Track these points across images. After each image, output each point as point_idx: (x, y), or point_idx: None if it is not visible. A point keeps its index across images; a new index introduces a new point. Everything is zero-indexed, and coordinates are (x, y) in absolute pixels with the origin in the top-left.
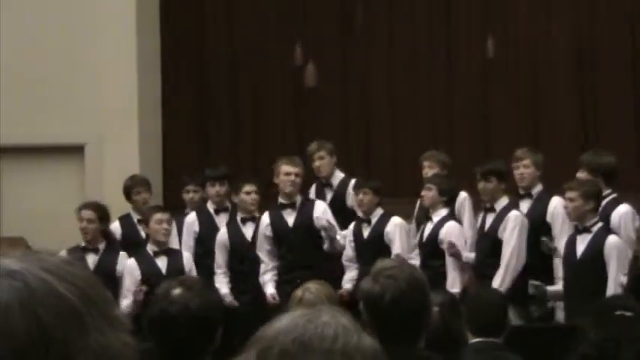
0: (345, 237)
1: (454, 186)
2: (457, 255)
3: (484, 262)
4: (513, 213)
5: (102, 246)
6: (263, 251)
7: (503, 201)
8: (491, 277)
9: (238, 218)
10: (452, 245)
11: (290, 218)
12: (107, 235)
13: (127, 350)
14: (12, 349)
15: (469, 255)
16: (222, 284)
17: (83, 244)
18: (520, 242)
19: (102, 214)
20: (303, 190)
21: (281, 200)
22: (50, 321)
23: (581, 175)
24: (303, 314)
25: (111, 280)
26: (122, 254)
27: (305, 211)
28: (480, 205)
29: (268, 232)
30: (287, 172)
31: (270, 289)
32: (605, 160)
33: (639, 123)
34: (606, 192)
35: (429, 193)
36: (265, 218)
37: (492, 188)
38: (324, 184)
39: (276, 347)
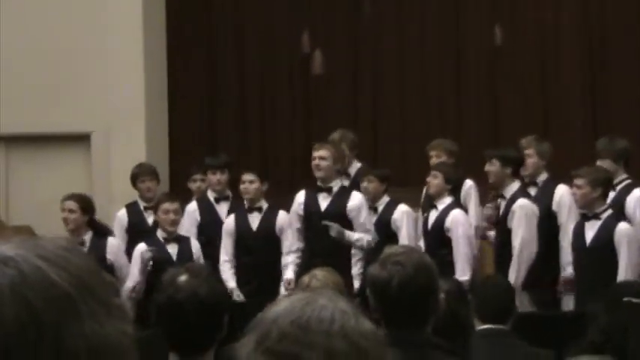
0: (373, 239)
1: (460, 174)
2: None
3: (502, 251)
4: (519, 202)
5: (88, 237)
6: (293, 229)
7: (512, 187)
8: (504, 267)
9: (246, 206)
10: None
11: (324, 203)
12: (93, 224)
13: (125, 339)
14: (2, 335)
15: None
16: (229, 277)
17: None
18: (529, 232)
19: (85, 205)
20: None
21: (318, 183)
22: (41, 307)
23: (602, 163)
24: (301, 298)
25: (103, 268)
26: (110, 240)
27: (340, 199)
28: (487, 194)
29: (300, 211)
30: (313, 156)
31: (288, 274)
32: (622, 146)
33: None
34: (622, 177)
35: (434, 181)
36: (300, 197)
37: (495, 171)
38: (337, 172)
39: (275, 330)
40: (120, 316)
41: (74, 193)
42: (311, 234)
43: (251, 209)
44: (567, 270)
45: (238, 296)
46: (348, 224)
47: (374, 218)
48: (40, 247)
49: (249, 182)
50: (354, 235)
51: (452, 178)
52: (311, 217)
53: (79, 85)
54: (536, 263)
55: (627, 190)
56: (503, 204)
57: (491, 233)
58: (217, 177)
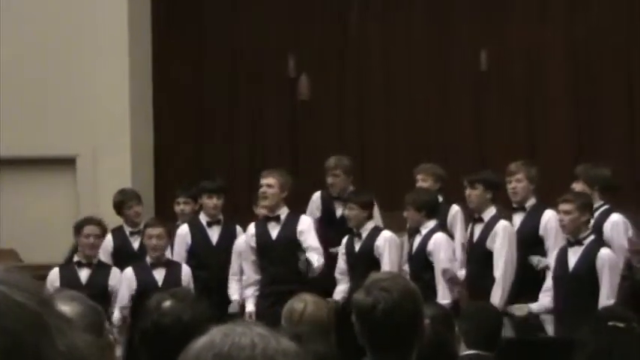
0: (318, 260)
1: (431, 197)
2: (455, 280)
3: (476, 274)
4: (502, 224)
5: (95, 260)
6: (248, 262)
7: (490, 211)
8: (483, 290)
9: None
10: (447, 273)
11: (274, 231)
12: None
13: (92, 349)
14: None
15: (461, 272)
16: (233, 290)
17: (76, 258)
18: (512, 253)
19: (104, 230)
20: (306, 198)
21: (263, 211)
22: (18, 329)
23: (576, 186)
24: (219, 330)
25: (103, 294)
26: (114, 269)
27: (289, 224)
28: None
29: (252, 242)
30: (260, 184)
31: (249, 307)
32: (601, 173)
33: (635, 134)
34: (599, 204)
35: (408, 213)
36: (251, 229)
37: (478, 195)
38: (333, 197)
39: None
40: (77, 327)
41: (93, 217)
42: (266, 263)
43: None
44: (540, 298)
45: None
46: (299, 247)
47: (358, 245)
48: None
49: None
50: (313, 257)
51: (421, 205)
52: (263, 247)
53: (64, 109)
54: (520, 288)
55: (605, 215)
56: (477, 227)
57: (462, 273)
58: (213, 201)
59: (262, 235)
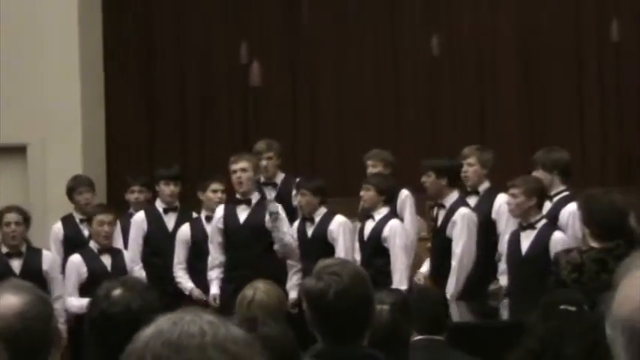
0: (294, 243)
1: (393, 184)
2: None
3: (438, 262)
4: (461, 210)
5: (23, 248)
6: (214, 243)
7: (452, 197)
8: (445, 278)
9: (203, 215)
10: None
11: (242, 215)
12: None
13: None
14: None
15: (422, 271)
16: (185, 279)
17: (4, 249)
18: (470, 240)
19: (26, 216)
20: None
21: (237, 195)
22: None
23: (536, 174)
24: (167, 318)
25: (38, 280)
26: (45, 252)
27: (259, 209)
28: (423, 204)
29: (220, 224)
30: (232, 169)
31: (214, 289)
32: (558, 157)
33: (584, 120)
34: (560, 189)
35: (367, 194)
36: (219, 211)
37: (431, 182)
38: (265, 184)
39: (148, 355)
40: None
41: (13, 205)
42: (232, 247)
43: (208, 218)
44: (501, 280)
45: (199, 296)
46: (268, 235)
47: (310, 230)
48: None
49: (221, 192)
50: (283, 227)
51: (384, 189)
52: (229, 230)
53: (14, 97)
54: (474, 273)
55: (563, 202)
56: (441, 213)
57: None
58: (170, 188)
59: (230, 217)
